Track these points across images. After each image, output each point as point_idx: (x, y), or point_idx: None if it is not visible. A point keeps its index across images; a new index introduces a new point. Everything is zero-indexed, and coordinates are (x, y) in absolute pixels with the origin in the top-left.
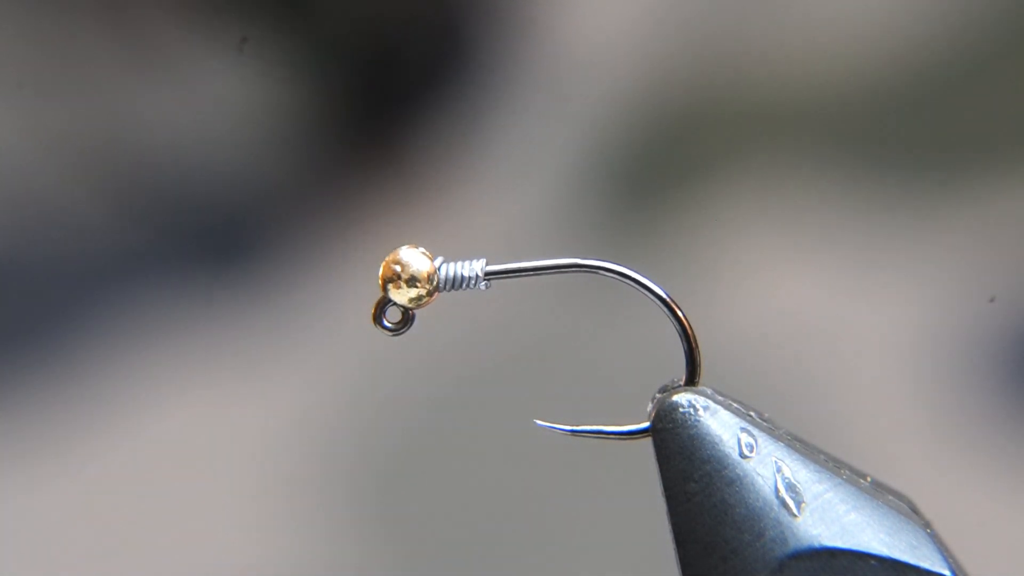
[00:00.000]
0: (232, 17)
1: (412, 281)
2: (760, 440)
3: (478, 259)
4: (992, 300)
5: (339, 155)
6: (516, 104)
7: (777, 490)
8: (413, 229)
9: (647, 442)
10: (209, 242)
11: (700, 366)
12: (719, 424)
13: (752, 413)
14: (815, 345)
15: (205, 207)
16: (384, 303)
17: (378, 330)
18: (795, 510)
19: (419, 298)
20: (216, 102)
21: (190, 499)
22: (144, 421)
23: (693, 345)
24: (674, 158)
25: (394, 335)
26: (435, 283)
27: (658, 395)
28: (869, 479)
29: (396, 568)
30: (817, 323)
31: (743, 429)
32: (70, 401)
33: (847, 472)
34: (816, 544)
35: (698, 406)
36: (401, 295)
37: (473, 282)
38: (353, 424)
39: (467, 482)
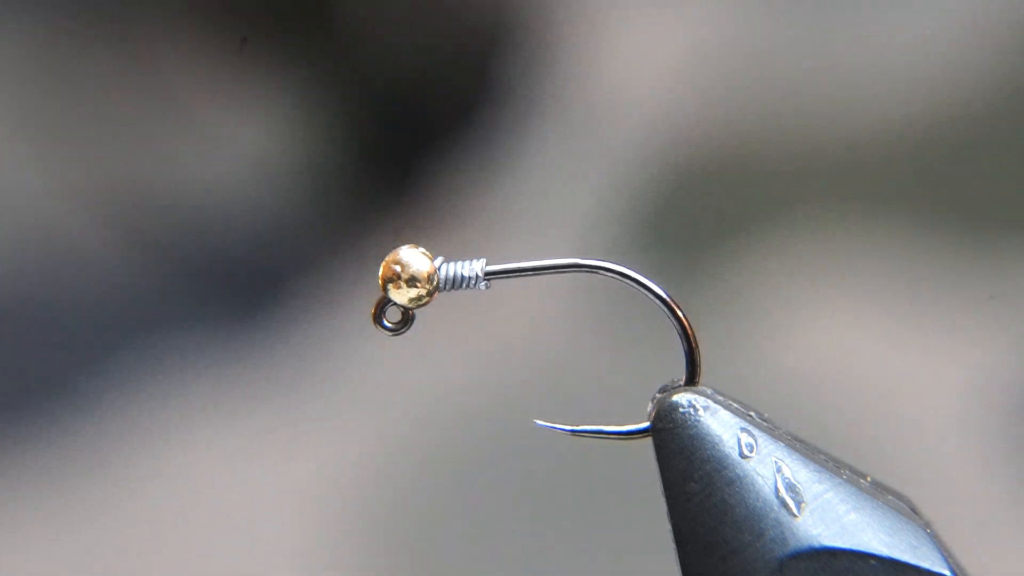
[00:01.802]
0: (254, 63)
1: (412, 281)
2: (760, 440)
3: (478, 259)
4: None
5: (363, 197)
6: (545, 147)
7: (777, 490)
8: None
9: (647, 442)
10: (233, 287)
11: (700, 366)
12: (719, 424)
13: (752, 413)
14: (869, 399)
15: (228, 252)
16: (384, 303)
17: (378, 330)
18: (795, 510)
19: (419, 298)
20: (239, 147)
21: (212, 548)
22: (167, 469)
23: (693, 345)
24: (712, 209)
25: (394, 335)
26: (435, 283)
27: (658, 395)
28: (869, 479)
29: None
30: (871, 378)
31: (743, 429)
32: (93, 447)
33: (847, 472)
34: (816, 544)
35: (698, 406)
36: (401, 295)
37: (473, 282)
38: (379, 471)
39: (497, 514)
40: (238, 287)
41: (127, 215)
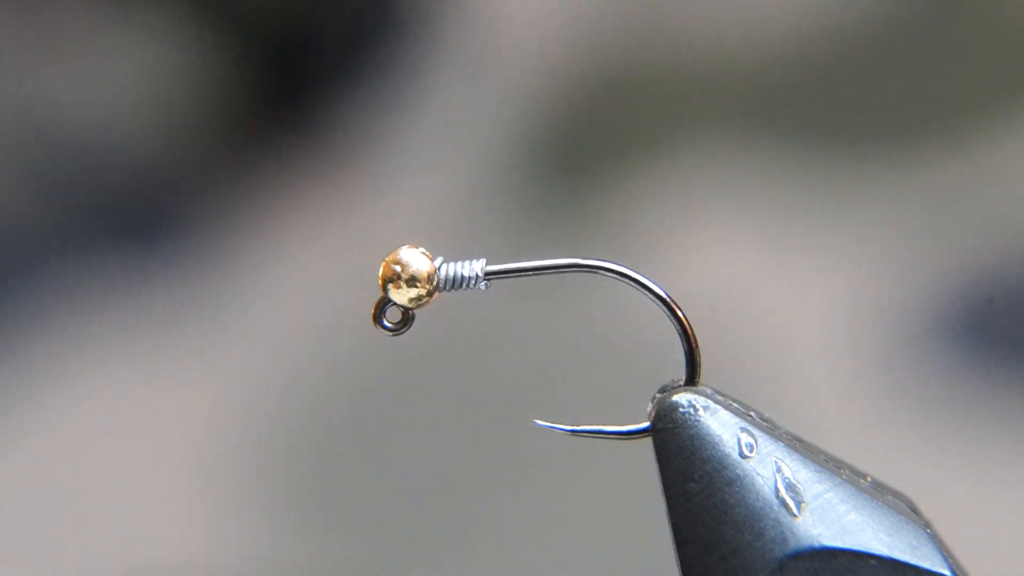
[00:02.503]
0: None
1: (412, 281)
2: (760, 440)
3: (478, 259)
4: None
5: (256, 131)
6: (438, 78)
7: (777, 490)
8: (333, 207)
9: (647, 442)
10: (127, 221)
11: (700, 366)
12: (719, 424)
13: (752, 413)
14: (750, 319)
15: (120, 186)
16: (384, 303)
17: (378, 330)
18: (795, 510)
19: (419, 298)
20: (127, 80)
21: (115, 484)
22: (65, 404)
23: (693, 345)
24: (604, 133)
25: (394, 335)
26: (435, 283)
27: (658, 395)
28: (869, 479)
29: (330, 558)
30: (752, 297)
31: (743, 429)
32: None
33: (847, 472)
34: (816, 544)
35: (698, 406)
36: (401, 295)
37: (473, 282)
38: (275, 401)
39: (417, 468)
40: (131, 217)
41: (16, 148)
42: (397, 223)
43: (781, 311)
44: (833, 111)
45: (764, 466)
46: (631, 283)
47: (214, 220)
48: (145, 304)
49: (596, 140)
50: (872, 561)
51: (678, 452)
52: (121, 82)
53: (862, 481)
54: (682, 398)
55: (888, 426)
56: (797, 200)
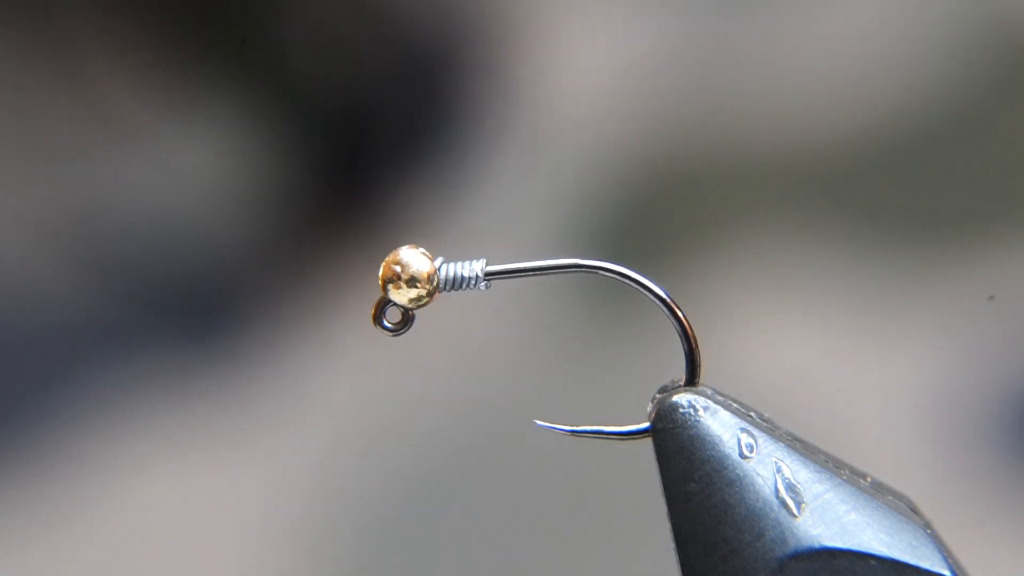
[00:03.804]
0: (201, 84)
1: (412, 281)
2: (760, 440)
3: (478, 259)
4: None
5: (316, 218)
6: (498, 161)
7: (777, 490)
8: None
9: (647, 442)
10: (185, 312)
11: (700, 366)
12: (719, 424)
13: (752, 413)
14: (816, 405)
15: (180, 276)
16: (384, 303)
17: (378, 331)
18: (795, 510)
19: (419, 298)
20: (190, 171)
21: (168, 570)
22: (122, 492)
23: (693, 345)
24: (662, 219)
25: (394, 335)
26: (435, 283)
27: (658, 395)
28: (869, 479)
29: None
30: (817, 383)
31: (743, 429)
32: (47, 473)
33: (847, 472)
34: (816, 544)
35: (698, 406)
36: (401, 295)
37: (473, 282)
38: (337, 490)
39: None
40: (190, 311)
41: (77, 241)
42: (455, 307)
43: (846, 396)
44: (900, 199)
45: (764, 466)
46: (631, 283)
47: (273, 307)
48: (204, 392)
49: (659, 224)
50: (872, 561)
51: (678, 452)
52: (183, 174)
53: (862, 481)
54: (682, 398)
55: (951, 511)
56: (863, 287)
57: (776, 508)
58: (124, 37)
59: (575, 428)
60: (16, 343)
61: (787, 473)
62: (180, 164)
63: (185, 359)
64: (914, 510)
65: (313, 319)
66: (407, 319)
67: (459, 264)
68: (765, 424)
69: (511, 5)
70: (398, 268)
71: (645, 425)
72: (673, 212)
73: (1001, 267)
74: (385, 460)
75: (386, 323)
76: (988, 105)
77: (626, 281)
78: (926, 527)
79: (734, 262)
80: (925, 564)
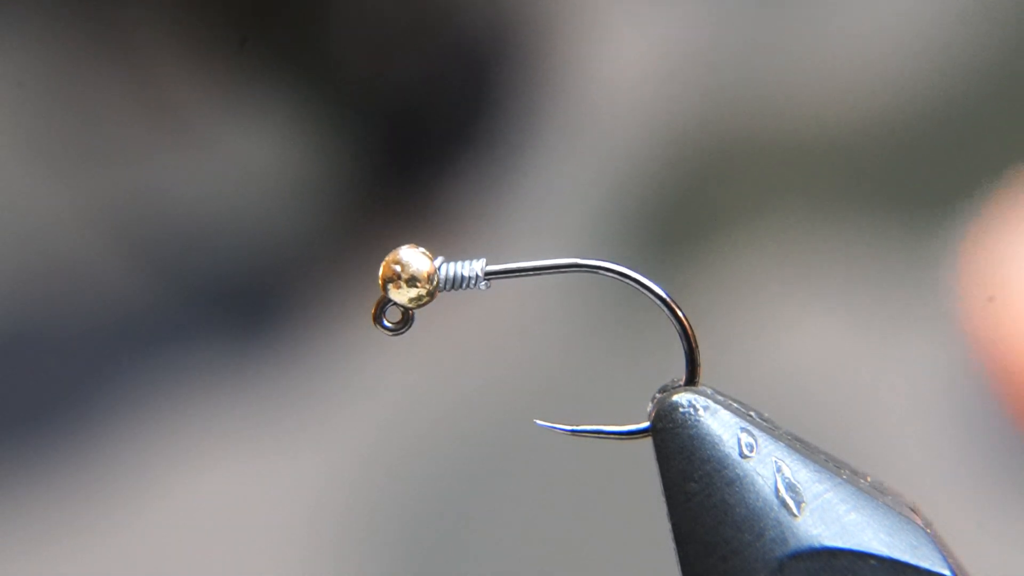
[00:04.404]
0: (254, 80)
1: (412, 281)
2: (760, 440)
3: (478, 259)
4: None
5: (368, 213)
6: (543, 154)
7: (777, 490)
8: None
9: (647, 442)
10: (237, 304)
11: (700, 366)
12: (719, 424)
13: (752, 413)
14: (839, 392)
15: (235, 272)
16: (384, 303)
17: (377, 330)
18: (795, 510)
19: (419, 298)
20: (241, 163)
21: (220, 564)
22: (174, 486)
23: (693, 345)
24: (696, 206)
25: (394, 335)
26: (435, 283)
27: (658, 395)
28: (869, 479)
29: None
30: (841, 370)
31: (743, 429)
32: (101, 465)
33: (847, 472)
34: (816, 544)
35: (698, 406)
36: (401, 295)
37: (473, 282)
38: (382, 482)
39: (504, 523)
40: (242, 303)
41: (131, 233)
42: (500, 296)
43: (873, 384)
44: (927, 185)
45: (764, 466)
46: (631, 283)
47: (324, 301)
48: (256, 386)
49: (694, 211)
50: (872, 561)
51: (678, 452)
52: (239, 169)
53: (862, 481)
54: (682, 398)
55: (982, 500)
56: (891, 273)
57: (776, 508)
58: (184, 33)
59: (575, 428)
60: (73, 337)
61: (787, 473)
62: (236, 159)
63: (237, 353)
64: (914, 510)
65: (363, 313)
66: (407, 319)
67: (459, 264)
68: (765, 424)
69: None
70: (398, 268)
71: (645, 425)
72: (706, 201)
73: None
74: (429, 455)
75: (386, 323)
76: (1017, 87)
77: (626, 281)
78: (926, 527)
79: (761, 250)
80: (925, 564)
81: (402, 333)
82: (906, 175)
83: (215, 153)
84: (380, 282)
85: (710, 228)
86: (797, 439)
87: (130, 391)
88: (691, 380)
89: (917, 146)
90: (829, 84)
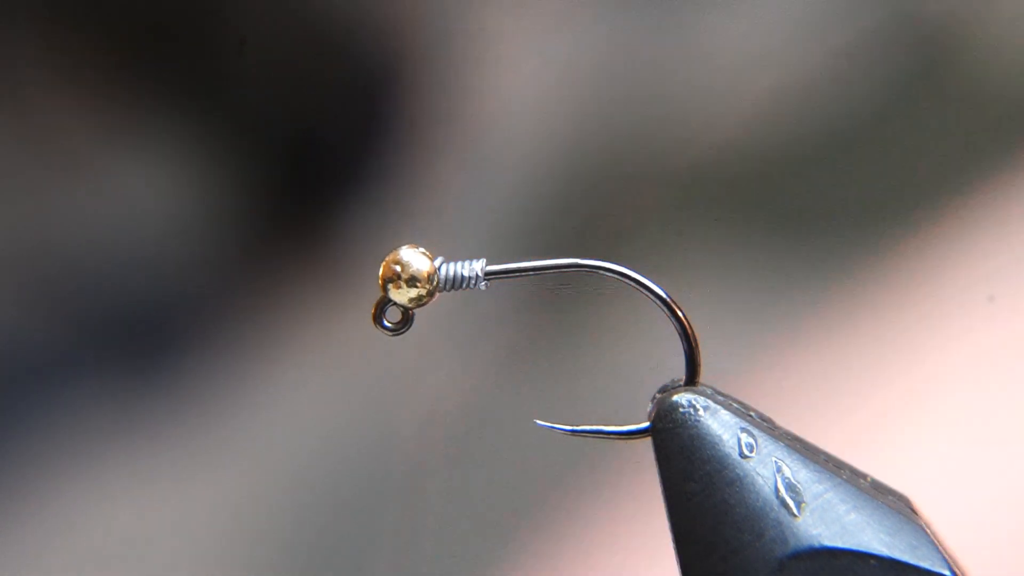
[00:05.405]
0: (145, 112)
1: (412, 281)
2: (760, 440)
3: (478, 259)
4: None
5: (261, 245)
6: (438, 181)
7: (777, 490)
8: (337, 314)
9: (647, 442)
10: (132, 337)
11: (700, 366)
12: (719, 424)
13: (752, 413)
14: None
15: (128, 305)
16: (384, 303)
17: (378, 330)
18: (795, 510)
19: (419, 298)
20: (133, 199)
21: None
22: (79, 522)
23: (693, 345)
24: (598, 219)
25: (394, 335)
26: (435, 283)
27: (658, 395)
28: (869, 479)
29: None
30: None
31: (743, 429)
32: (1, 505)
33: (847, 472)
34: (816, 544)
35: (698, 406)
36: (401, 295)
37: (473, 282)
38: (279, 512)
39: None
40: (136, 337)
41: (19, 270)
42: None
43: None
44: (818, 199)
45: (764, 466)
46: (631, 283)
47: (221, 331)
48: (151, 417)
49: (591, 227)
50: (872, 561)
51: (678, 452)
52: (129, 200)
53: (862, 481)
54: (682, 398)
55: None
56: (781, 284)
57: (776, 508)
58: (67, 60)
59: (575, 428)
60: None
61: (787, 473)
62: (127, 192)
63: (131, 384)
64: (914, 510)
65: (259, 338)
66: (407, 318)
67: (459, 264)
68: (765, 424)
69: (449, 20)
70: (398, 268)
71: (645, 425)
72: (605, 214)
73: (908, 255)
74: (327, 479)
75: (386, 323)
76: (898, 103)
77: (626, 281)
78: (926, 527)
79: (654, 258)
80: (925, 564)
81: (402, 333)
82: (790, 195)
83: (105, 187)
84: (380, 282)
85: (607, 242)
86: (797, 439)
87: (27, 427)
88: (691, 380)
89: (802, 168)
90: (720, 105)
